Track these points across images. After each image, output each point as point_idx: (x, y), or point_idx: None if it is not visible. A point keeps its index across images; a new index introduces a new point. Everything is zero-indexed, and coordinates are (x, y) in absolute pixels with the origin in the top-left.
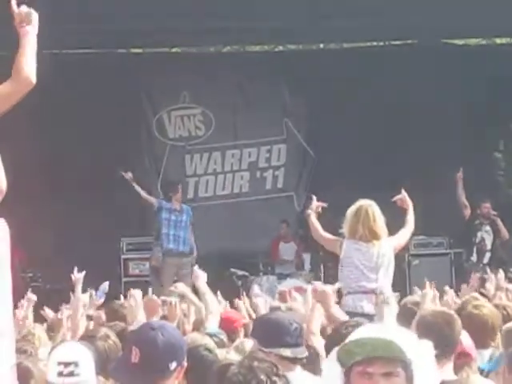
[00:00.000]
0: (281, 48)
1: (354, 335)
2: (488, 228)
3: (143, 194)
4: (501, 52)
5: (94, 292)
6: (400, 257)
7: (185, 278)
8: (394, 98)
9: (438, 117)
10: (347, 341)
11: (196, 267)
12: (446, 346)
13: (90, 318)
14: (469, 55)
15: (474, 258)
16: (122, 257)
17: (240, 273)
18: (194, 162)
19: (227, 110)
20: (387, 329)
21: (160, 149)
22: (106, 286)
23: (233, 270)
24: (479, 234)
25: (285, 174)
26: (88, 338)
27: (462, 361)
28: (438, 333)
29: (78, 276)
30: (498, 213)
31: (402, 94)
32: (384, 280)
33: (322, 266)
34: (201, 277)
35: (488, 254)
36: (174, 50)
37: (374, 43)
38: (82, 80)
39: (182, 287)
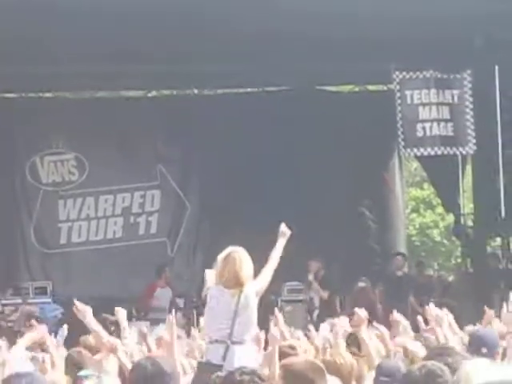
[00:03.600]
0: (154, 93)
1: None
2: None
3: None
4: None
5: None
6: (272, 302)
7: None
8: (269, 143)
9: (315, 159)
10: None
11: (78, 302)
12: None
13: None
14: (342, 101)
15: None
16: None
17: (112, 318)
18: (67, 208)
19: (100, 155)
20: None
21: (33, 194)
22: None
23: (104, 315)
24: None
25: (158, 219)
26: None
27: None
28: None
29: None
30: None
31: (277, 139)
32: (240, 327)
33: (194, 312)
34: (88, 311)
35: (316, 311)
36: (46, 94)
37: (249, 89)
38: None
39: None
